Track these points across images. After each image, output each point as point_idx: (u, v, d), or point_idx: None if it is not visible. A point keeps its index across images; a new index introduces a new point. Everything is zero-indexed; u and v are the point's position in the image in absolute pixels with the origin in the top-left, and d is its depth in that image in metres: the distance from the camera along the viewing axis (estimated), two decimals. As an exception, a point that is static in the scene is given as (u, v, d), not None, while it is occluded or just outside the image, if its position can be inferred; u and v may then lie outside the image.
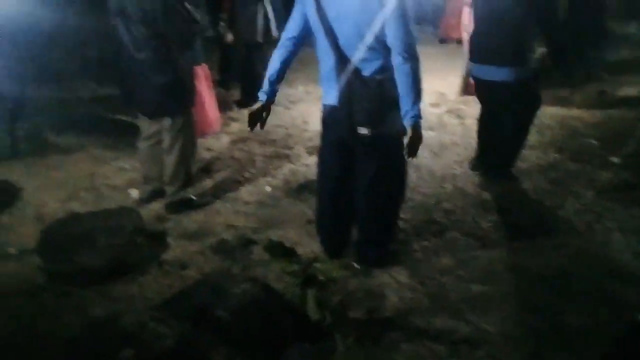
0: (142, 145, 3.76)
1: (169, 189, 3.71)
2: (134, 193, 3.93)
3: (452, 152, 4.57)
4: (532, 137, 4.31)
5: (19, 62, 5.52)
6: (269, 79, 2.72)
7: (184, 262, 3.13)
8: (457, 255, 3.12)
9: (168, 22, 3.26)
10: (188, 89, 3.56)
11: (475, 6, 3.93)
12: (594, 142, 4.73)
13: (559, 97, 5.81)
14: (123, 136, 4.42)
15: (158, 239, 3.37)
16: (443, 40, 9.42)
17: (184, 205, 3.72)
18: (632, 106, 5.58)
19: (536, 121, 4.08)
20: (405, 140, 2.51)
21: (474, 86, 4.06)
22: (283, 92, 6.39)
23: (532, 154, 4.43)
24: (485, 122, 4.04)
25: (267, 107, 2.75)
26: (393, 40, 2.43)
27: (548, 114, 5.20)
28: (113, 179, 4.24)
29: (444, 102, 5.82)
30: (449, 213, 3.60)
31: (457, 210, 3.63)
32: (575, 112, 5.52)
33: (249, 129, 2.76)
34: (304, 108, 5.82)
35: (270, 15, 5.55)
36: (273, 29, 5.59)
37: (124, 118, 5.10)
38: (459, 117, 5.45)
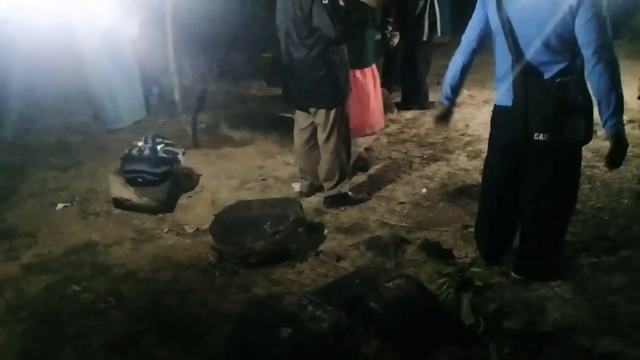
0: (298, 138, 3.97)
1: (326, 185, 3.87)
2: (297, 186, 4.16)
3: (631, 165, 4.13)
4: None
5: (204, 62, 6.14)
6: (450, 86, 2.75)
7: (339, 254, 3.25)
8: (631, 275, 2.82)
9: (318, 21, 3.41)
10: (341, 84, 3.67)
11: None
12: None
13: None
14: (288, 133, 4.68)
15: (316, 231, 3.55)
16: None
17: (341, 201, 3.86)
18: None
19: None
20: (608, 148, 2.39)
21: None
22: (445, 95, 6.31)
23: None
24: None
25: (450, 111, 2.85)
26: (583, 39, 2.29)
27: None
28: (278, 171, 4.53)
29: (624, 110, 5.28)
30: (624, 230, 3.27)
31: (634, 227, 3.28)
32: None
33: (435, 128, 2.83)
34: (466, 112, 5.66)
35: (437, 14, 5.50)
36: (438, 28, 5.54)
37: (289, 116, 5.41)
38: (642, 127, 4.91)
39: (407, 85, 5.88)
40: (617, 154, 2.39)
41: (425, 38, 5.52)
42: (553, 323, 2.52)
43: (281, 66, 3.81)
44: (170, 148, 4.14)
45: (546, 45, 2.35)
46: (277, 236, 3.20)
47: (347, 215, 3.76)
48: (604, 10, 2.27)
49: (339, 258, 3.22)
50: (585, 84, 2.47)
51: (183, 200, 4.09)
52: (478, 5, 2.60)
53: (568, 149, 2.53)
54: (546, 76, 2.41)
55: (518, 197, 2.75)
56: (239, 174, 4.50)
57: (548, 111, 2.41)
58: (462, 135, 5.06)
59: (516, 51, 2.44)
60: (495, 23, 2.50)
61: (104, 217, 3.89)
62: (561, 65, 2.39)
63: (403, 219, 3.66)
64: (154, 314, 2.85)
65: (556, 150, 2.50)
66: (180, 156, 4.20)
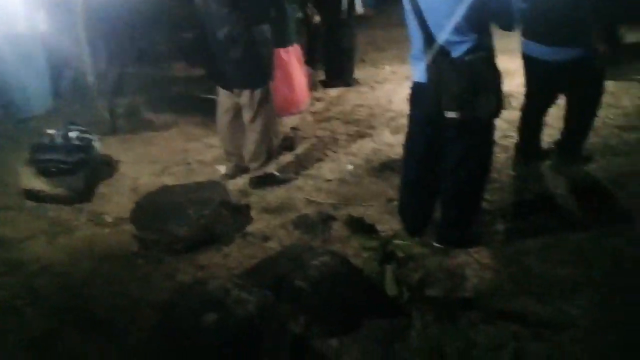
0: (221, 119, 3.89)
1: (252, 165, 3.82)
2: (221, 169, 4.09)
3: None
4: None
5: (120, 44, 5.87)
6: None
7: (266, 235, 3.22)
8: (544, 238, 2.98)
9: None
10: (264, 63, 3.61)
11: None
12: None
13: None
14: (212, 115, 4.59)
15: (242, 212, 3.49)
16: None
17: (267, 181, 3.82)
18: None
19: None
20: None
21: (527, 68, 3.66)
22: (369, 71, 6.36)
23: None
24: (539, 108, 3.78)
25: None
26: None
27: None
28: (202, 154, 4.43)
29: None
30: (537, 195, 3.44)
31: (546, 192, 3.46)
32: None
33: None
34: (389, 88, 5.74)
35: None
36: (358, 5, 5.55)
37: (213, 97, 5.29)
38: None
39: (331, 63, 5.89)
40: None
41: (344, 17, 5.53)
42: (472, 288, 2.63)
43: (203, 46, 3.68)
44: (85, 135, 3.94)
45: (454, 25, 2.39)
46: (201, 220, 3.13)
47: (274, 195, 3.73)
48: None
49: (266, 238, 3.19)
50: (493, 60, 2.55)
51: (101, 188, 3.91)
52: None
53: (480, 123, 2.61)
54: (455, 54, 2.46)
55: (438, 168, 2.83)
56: (162, 159, 4.37)
57: (458, 89, 2.46)
58: (386, 111, 5.13)
59: (426, 31, 2.48)
60: (406, 2, 2.53)
61: (15, 211, 3.65)
62: (469, 44, 2.45)
63: (329, 196, 3.68)
64: (74, 308, 2.72)
65: (468, 125, 2.57)
66: (95, 143, 4.01)
